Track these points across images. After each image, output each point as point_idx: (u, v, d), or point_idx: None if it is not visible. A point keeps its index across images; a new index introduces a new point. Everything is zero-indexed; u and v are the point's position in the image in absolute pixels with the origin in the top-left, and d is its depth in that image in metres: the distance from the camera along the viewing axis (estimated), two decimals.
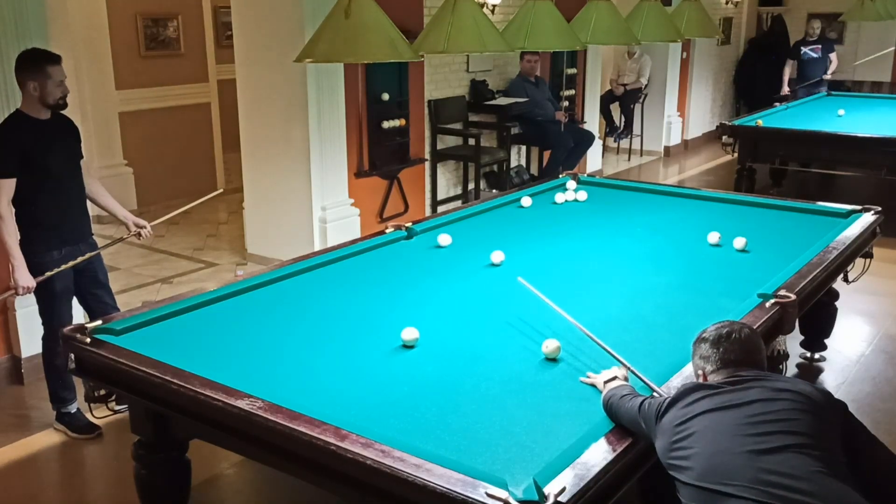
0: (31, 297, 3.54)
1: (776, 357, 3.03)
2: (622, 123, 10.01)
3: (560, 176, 4.93)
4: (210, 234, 6.83)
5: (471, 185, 7.15)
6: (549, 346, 2.47)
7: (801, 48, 9.50)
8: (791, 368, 4.08)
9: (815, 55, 9.41)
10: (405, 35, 2.96)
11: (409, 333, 2.56)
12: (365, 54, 2.86)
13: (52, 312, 3.54)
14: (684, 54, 10.24)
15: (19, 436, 3.67)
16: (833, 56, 9.51)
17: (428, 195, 6.89)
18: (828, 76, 9.42)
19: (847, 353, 4.33)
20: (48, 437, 3.67)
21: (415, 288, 3.14)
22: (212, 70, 7.91)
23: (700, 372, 2.08)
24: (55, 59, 3.40)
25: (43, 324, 3.60)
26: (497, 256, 3.44)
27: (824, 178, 8.14)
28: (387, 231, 3.71)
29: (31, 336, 3.99)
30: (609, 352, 2.37)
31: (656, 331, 2.72)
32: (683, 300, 3.00)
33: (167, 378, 2.27)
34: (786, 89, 9.65)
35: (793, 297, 2.85)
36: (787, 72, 9.75)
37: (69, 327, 2.64)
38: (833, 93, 9.24)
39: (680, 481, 1.81)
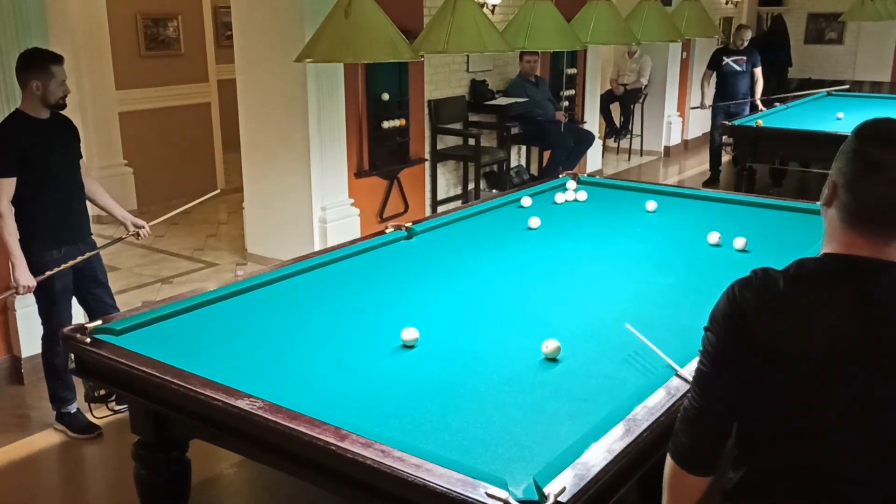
0: (31, 297, 3.54)
1: None
2: (621, 123, 10.01)
3: (560, 176, 4.93)
4: (210, 234, 6.83)
5: (471, 185, 7.16)
6: (549, 346, 2.46)
7: (724, 58, 8.29)
8: None
9: (738, 68, 8.22)
10: (405, 35, 2.96)
11: (409, 333, 2.56)
12: (365, 54, 2.86)
13: (52, 312, 3.54)
14: (684, 54, 10.25)
15: (19, 436, 3.67)
16: (758, 72, 8.35)
17: (428, 195, 6.89)
18: (757, 99, 8.28)
19: None
20: (48, 437, 3.67)
21: (415, 288, 3.14)
22: (212, 70, 7.92)
23: (828, 191, 1.53)
24: (59, 59, 3.41)
25: (42, 324, 3.61)
26: (534, 222, 3.85)
27: (824, 179, 8.12)
28: (387, 231, 3.71)
29: (31, 336, 3.99)
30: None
31: (657, 330, 2.71)
32: (684, 300, 3.00)
33: (167, 378, 2.27)
34: (707, 103, 8.43)
35: None
36: (706, 84, 8.46)
37: (69, 327, 2.63)
38: (833, 93, 9.24)
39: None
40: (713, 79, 8.47)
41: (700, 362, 1.55)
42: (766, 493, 1.53)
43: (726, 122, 7.19)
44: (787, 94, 8.49)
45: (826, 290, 1.44)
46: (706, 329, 1.54)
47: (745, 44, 8.28)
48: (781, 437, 1.49)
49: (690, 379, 2.18)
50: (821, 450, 1.45)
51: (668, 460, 1.59)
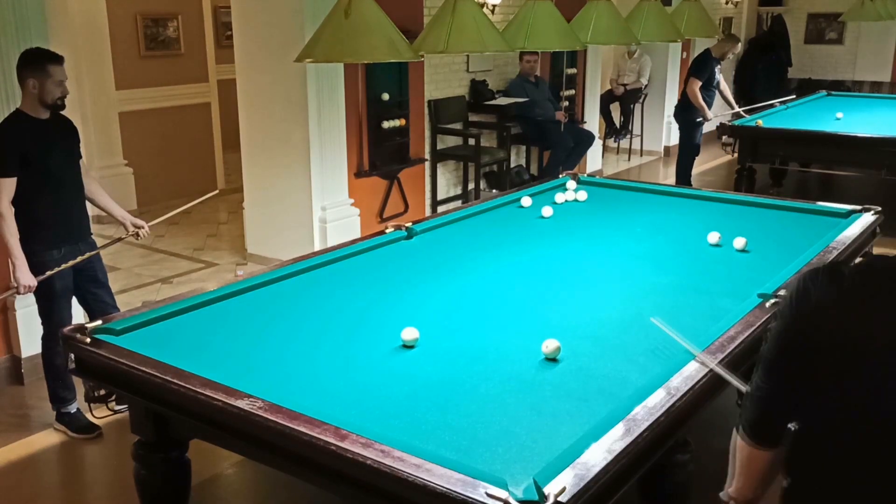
0: (31, 297, 3.54)
1: None
2: (621, 123, 10.00)
3: (560, 176, 4.93)
4: (210, 234, 6.83)
5: (471, 185, 7.16)
6: (549, 346, 2.47)
7: (715, 68, 7.51)
8: None
9: (720, 77, 7.70)
10: (405, 35, 2.96)
11: (409, 333, 2.56)
12: (365, 54, 2.86)
13: (52, 312, 3.54)
14: (684, 54, 10.24)
15: (19, 436, 3.67)
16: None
17: (428, 195, 6.89)
18: (742, 110, 7.70)
19: None
20: (48, 437, 3.67)
21: (415, 288, 3.14)
22: (212, 70, 7.92)
23: None
24: (57, 59, 3.40)
25: (42, 323, 3.60)
26: (547, 211, 4.06)
27: (824, 178, 8.15)
28: (387, 231, 3.71)
29: (31, 336, 3.99)
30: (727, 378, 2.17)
31: (656, 331, 2.71)
32: (683, 300, 3.00)
33: (167, 378, 2.27)
34: (709, 116, 7.51)
35: None
36: (700, 94, 7.42)
37: (69, 327, 2.64)
38: (833, 93, 9.24)
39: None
40: (697, 87, 7.56)
41: (766, 346, 1.60)
42: (820, 497, 1.52)
43: (726, 123, 7.17)
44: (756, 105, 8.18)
45: (893, 288, 1.44)
46: (774, 316, 1.57)
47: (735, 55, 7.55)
48: (839, 435, 1.48)
49: (708, 363, 2.22)
50: (880, 457, 1.43)
51: (736, 431, 1.65)
